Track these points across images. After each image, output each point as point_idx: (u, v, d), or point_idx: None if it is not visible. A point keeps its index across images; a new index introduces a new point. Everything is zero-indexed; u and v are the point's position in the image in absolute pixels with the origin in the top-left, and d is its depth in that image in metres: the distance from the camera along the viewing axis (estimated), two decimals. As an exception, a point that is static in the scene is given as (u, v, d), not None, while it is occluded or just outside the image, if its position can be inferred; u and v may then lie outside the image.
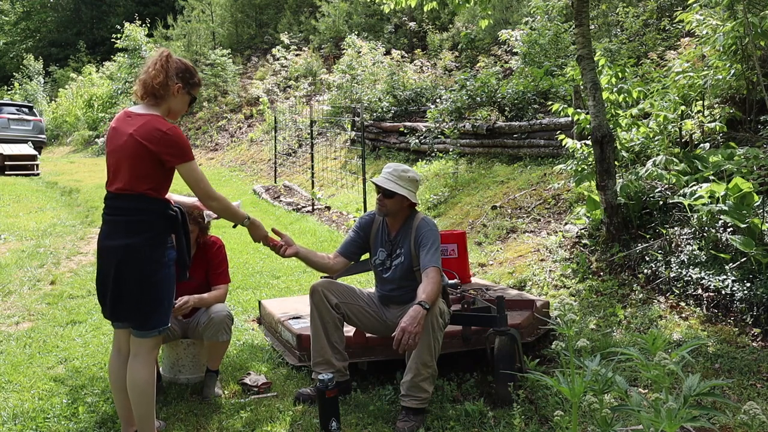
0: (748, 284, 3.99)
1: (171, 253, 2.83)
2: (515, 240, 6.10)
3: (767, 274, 3.98)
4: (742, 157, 4.76)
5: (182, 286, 3.15)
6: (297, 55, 17.65)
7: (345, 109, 12.34)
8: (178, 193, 3.25)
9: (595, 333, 4.15)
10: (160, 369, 3.61)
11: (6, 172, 14.05)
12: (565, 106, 6.06)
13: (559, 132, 6.99)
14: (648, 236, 4.87)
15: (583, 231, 5.52)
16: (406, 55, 14.16)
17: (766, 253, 3.98)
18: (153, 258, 2.74)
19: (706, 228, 4.50)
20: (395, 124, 10.87)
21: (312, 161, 10.17)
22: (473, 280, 4.96)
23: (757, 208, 4.33)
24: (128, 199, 2.73)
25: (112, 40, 21.52)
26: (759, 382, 3.37)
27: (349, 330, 3.63)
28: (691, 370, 3.53)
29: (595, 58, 5.39)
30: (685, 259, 4.43)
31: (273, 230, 3.39)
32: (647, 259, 4.68)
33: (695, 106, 5.90)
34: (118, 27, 21.71)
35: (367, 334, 3.67)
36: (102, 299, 2.83)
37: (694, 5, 6.15)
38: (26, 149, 15.15)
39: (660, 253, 4.62)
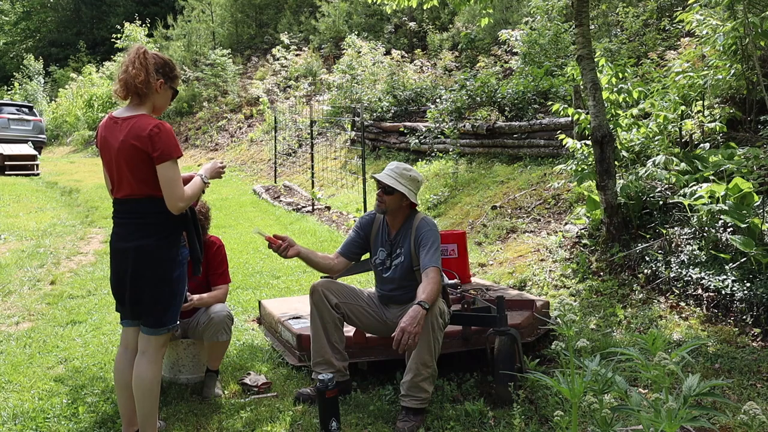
0: (748, 284, 3.99)
1: (184, 251, 2.85)
2: (515, 240, 6.10)
3: (767, 274, 3.98)
4: (742, 157, 4.76)
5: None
6: (297, 55, 17.65)
7: (345, 109, 12.35)
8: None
9: (595, 333, 4.15)
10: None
11: (6, 172, 14.05)
12: (565, 106, 6.06)
13: (559, 132, 6.99)
14: (648, 236, 4.87)
15: (583, 231, 5.52)
16: (406, 55, 14.16)
17: (766, 253, 3.98)
18: (167, 257, 2.76)
19: (706, 228, 4.49)
20: (395, 124, 10.87)
21: (312, 161, 10.16)
22: (473, 280, 4.96)
23: (757, 208, 4.33)
24: (136, 203, 2.75)
25: (112, 40, 21.52)
26: (759, 382, 3.37)
27: (349, 330, 3.63)
28: (691, 370, 3.53)
29: (595, 58, 5.38)
30: (685, 259, 4.43)
31: (275, 235, 3.37)
32: (647, 259, 4.68)
33: (695, 106, 5.90)
34: (118, 27, 21.72)
35: (367, 334, 3.67)
36: (120, 299, 2.86)
37: (694, 5, 6.15)
38: (26, 149, 15.14)
39: (660, 253, 4.61)
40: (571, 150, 5.76)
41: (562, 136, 6.11)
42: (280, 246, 3.31)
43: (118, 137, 2.72)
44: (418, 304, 3.04)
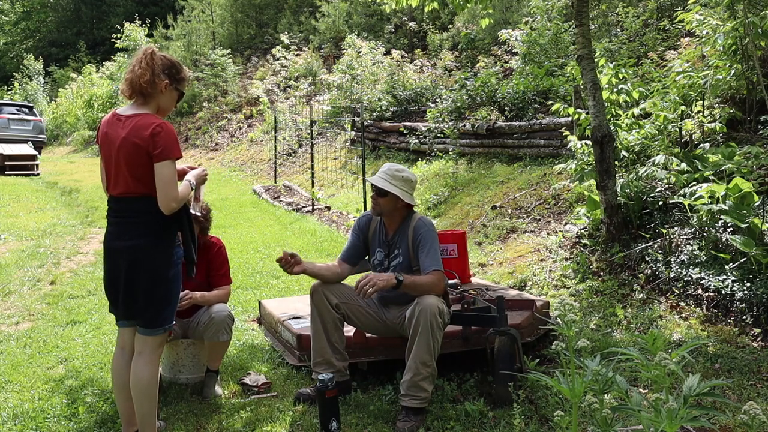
0: (748, 284, 3.99)
1: (179, 251, 2.85)
2: (515, 240, 6.10)
3: (767, 274, 3.98)
4: (742, 156, 4.76)
5: (182, 285, 3.15)
6: (297, 55, 17.64)
7: (345, 109, 12.34)
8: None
9: (595, 333, 4.15)
10: (160, 369, 3.61)
11: (6, 172, 14.04)
12: (566, 106, 6.06)
13: (563, 128, 6.97)
14: (648, 236, 4.87)
15: (583, 231, 5.52)
16: (406, 55, 14.14)
17: (766, 253, 3.98)
18: (162, 257, 2.76)
19: (706, 228, 4.49)
20: (395, 124, 10.87)
21: (312, 161, 10.17)
22: (473, 280, 4.96)
23: (757, 208, 4.33)
24: (132, 202, 2.75)
25: (112, 40, 21.52)
26: (759, 382, 3.37)
27: (349, 330, 3.63)
28: (691, 370, 3.53)
29: (595, 58, 5.38)
30: (685, 259, 4.43)
31: (284, 251, 3.37)
32: (647, 259, 4.68)
33: (695, 106, 5.89)
34: (118, 27, 21.73)
35: (367, 334, 3.67)
36: (113, 299, 2.85)
37: (694, 5, 6.14)
38: (26, 149, 15.14)
39: (660, 253, 4.61)
40: (573, 149, 5.76)
41: (567, 132, 6.11)
42: (288, 262, 3.33)
43: (120, 134, 2.73)
44: (395, 273, 3.22)
